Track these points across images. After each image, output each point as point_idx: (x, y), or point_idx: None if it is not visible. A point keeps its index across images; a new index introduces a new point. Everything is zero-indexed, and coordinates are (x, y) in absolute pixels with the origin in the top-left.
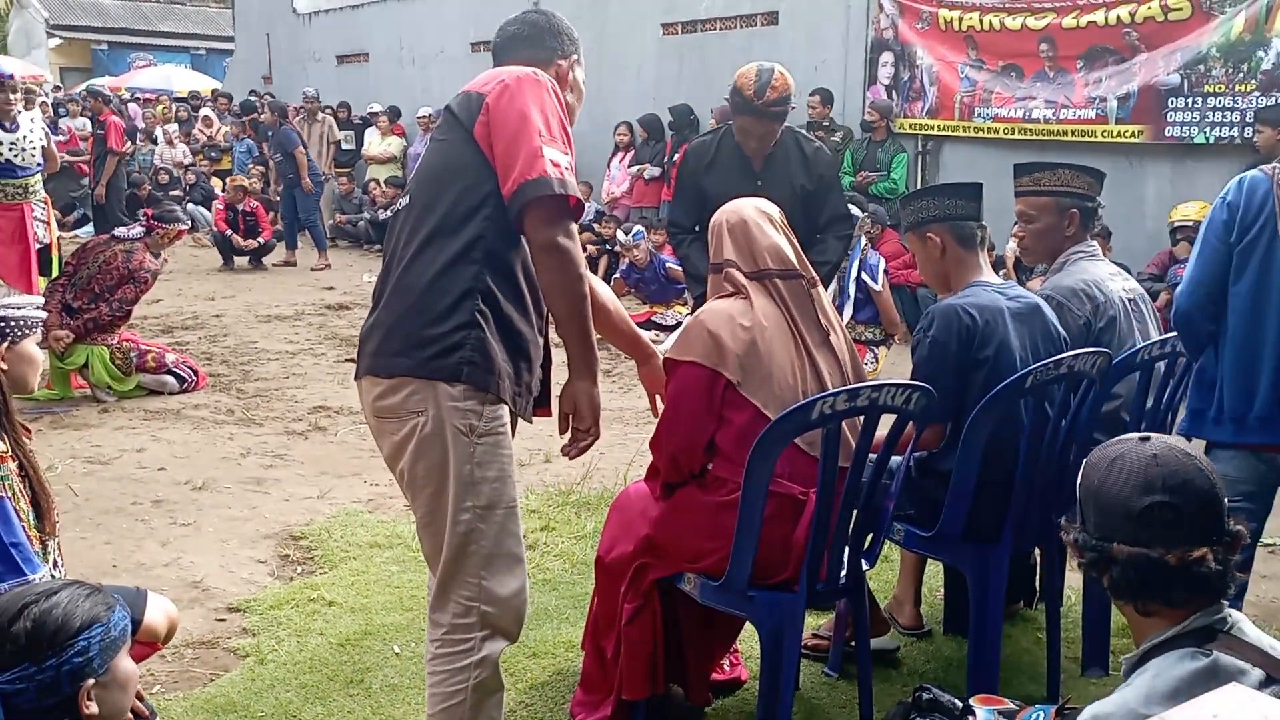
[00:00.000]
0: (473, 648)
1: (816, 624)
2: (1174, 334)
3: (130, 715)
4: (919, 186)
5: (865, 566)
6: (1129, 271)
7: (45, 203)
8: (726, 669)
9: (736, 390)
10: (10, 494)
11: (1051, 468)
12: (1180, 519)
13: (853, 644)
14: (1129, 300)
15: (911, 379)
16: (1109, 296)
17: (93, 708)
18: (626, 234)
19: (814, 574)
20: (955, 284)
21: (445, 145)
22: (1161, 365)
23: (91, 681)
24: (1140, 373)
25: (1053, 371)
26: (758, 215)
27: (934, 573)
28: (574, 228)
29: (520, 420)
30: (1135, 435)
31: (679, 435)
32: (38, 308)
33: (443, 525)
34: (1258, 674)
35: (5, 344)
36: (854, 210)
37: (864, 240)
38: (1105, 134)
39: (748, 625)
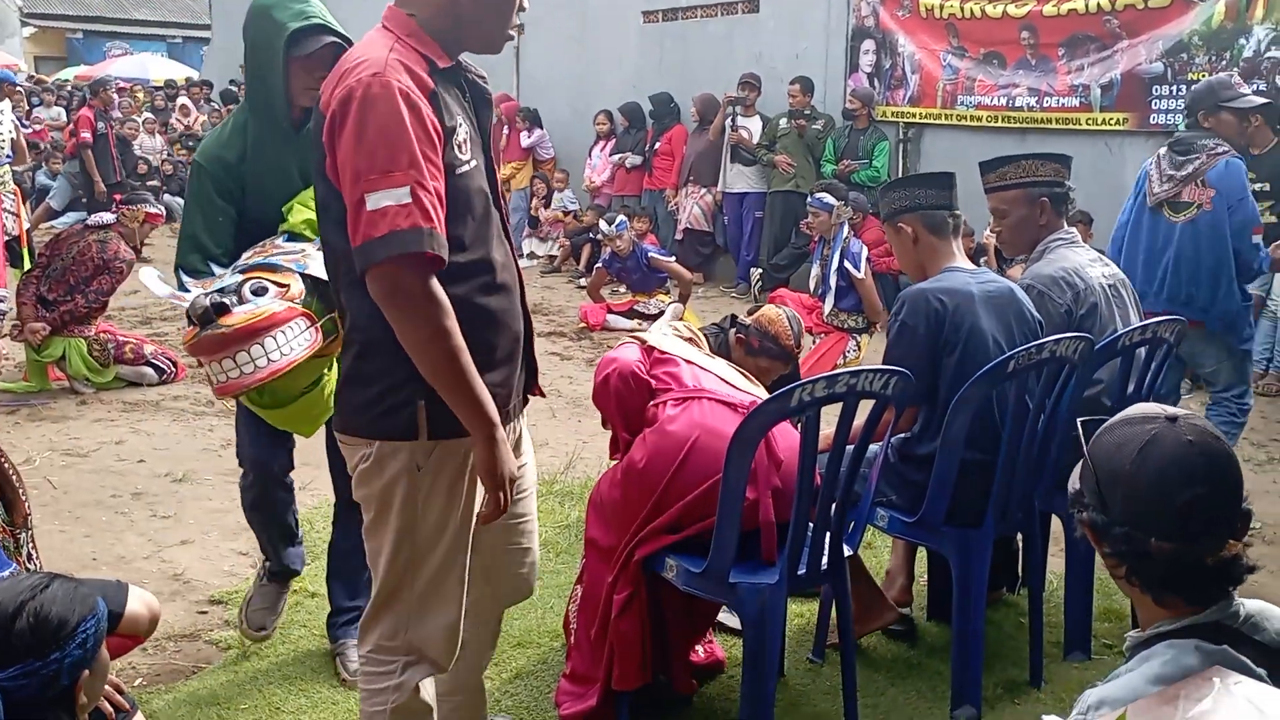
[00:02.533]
0: (393, 671)
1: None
2: (1155, 320)
3: (109, 708)
4: (901, 174)
5: (847, 551)
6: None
7: (14, 194)
8: (701, 654)
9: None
10: None
11: (1033, 453)
12: (1218, 511)
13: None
14: (1109, 286)
15: (883, 363)
16: (1089, 283)
17: (83, 697)
18: (609, 224)
19: (794, 560)
20: (930, 271)
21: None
22: (1142, 351)
23: (87, 672)
24: (1121, 358)
25: (1034, 357)
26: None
27: (922, 556)
28: (416, 283)
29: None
30: (1159, 412)
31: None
32: (1, 299)
33: (381, 545)
34: (1261, 674)
35: None
36: (830, 199)
37: (846, 228)
38: (1089, 121)
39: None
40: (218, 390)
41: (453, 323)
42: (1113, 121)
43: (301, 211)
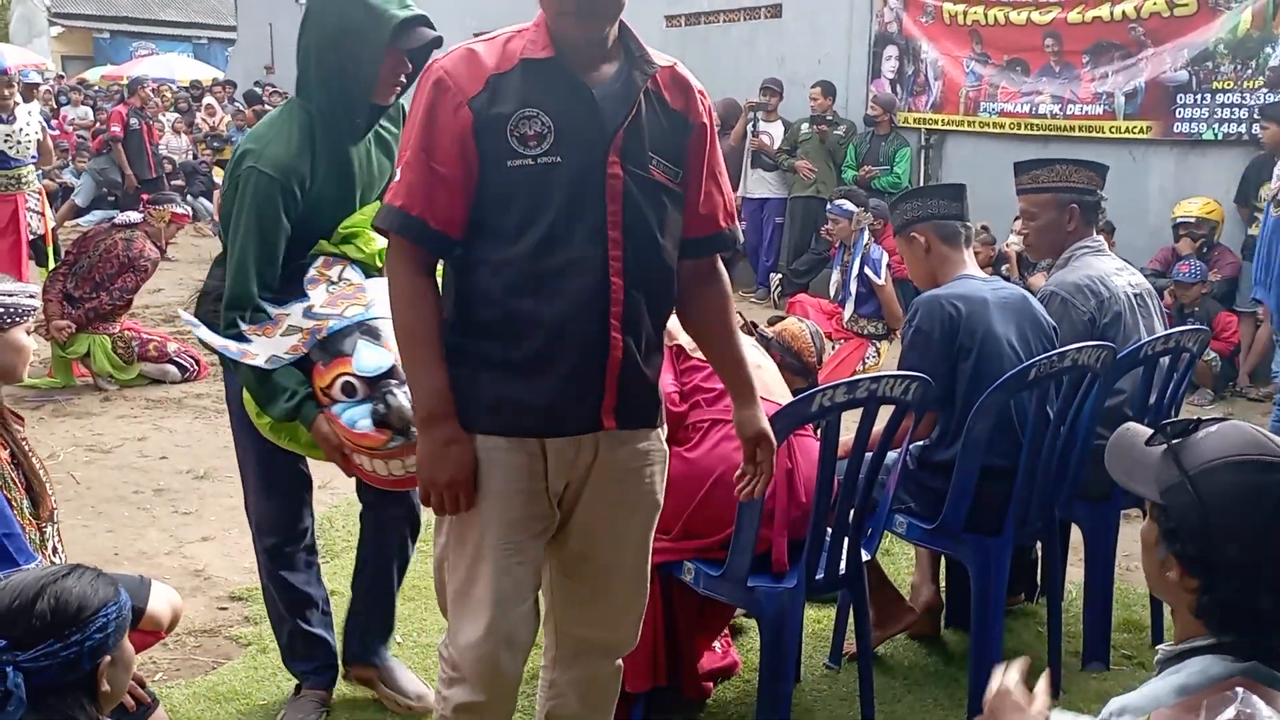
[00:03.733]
0: (445, 680)
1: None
2: (1179, 329)
3: (131, 701)
4: (923, 181)
5: (865, 556)
6: (1133, 267)
7: (39, 194)
8: (718, 650)
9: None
10: (3, 483)
11: (1054, 462)
12: None
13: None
14: (1134, 295)
15: (898, 369)
16: (1114, 292)
17: (105, 685)
18: None
19: (812, 565)
20: (941, 280)
21: None
22: (1165, 360)
23: (108, 659)
24: (1144, 368)
25: (1056, 365)
26: None
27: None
28: (397, 259)
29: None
30: (1255, 457)
31: None
32: (30, 296)
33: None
34: None
35: None
36: (850, 206)
37: (866, 235)
38: (1113, 130)
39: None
40: (389, 483)
41: (415, 308)
42: (1136, 130)
43: (375, 241)
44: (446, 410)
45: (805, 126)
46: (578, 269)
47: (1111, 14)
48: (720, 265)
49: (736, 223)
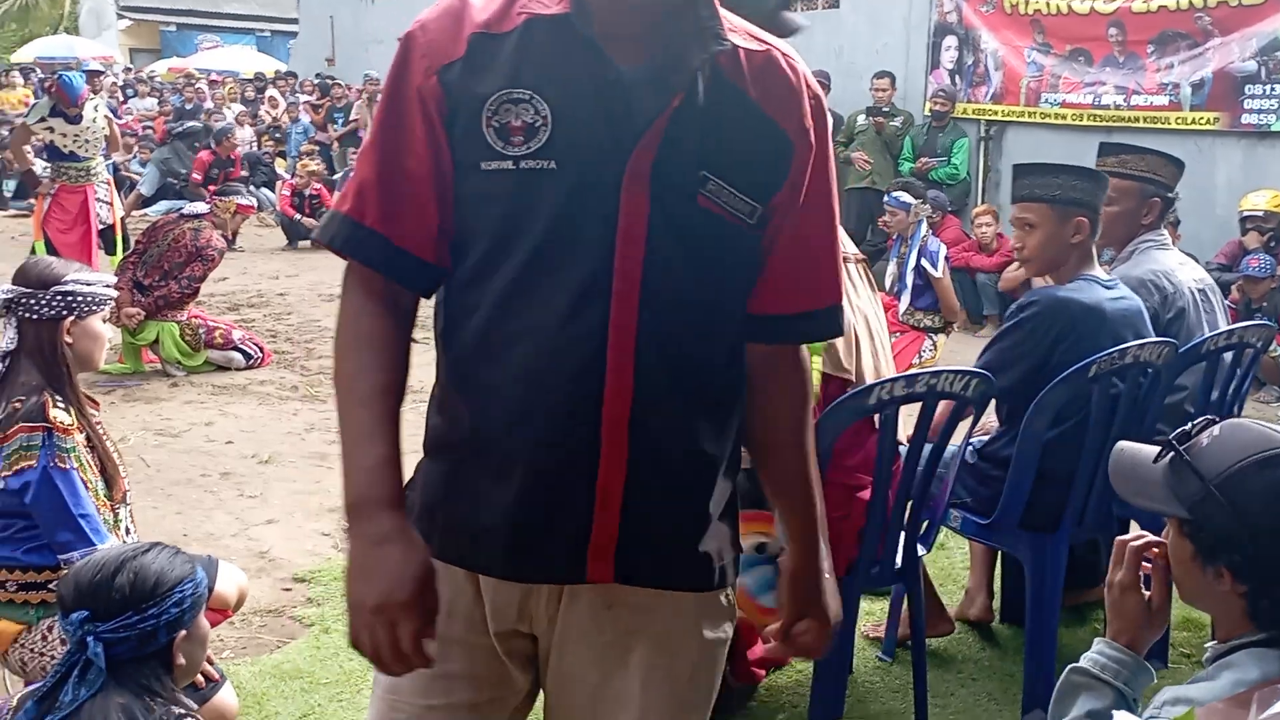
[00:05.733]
0: None
1: (873, 609)
2: (1241, 324)
3: (201, 677)
4: (982, 173)
5: (921, 551)
6: (1197, 261)
7: (108, 184)
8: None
9: None
10: (79, 465)
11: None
12: None
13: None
14: (1198, 290)
15: (987, 348)
16: (1178, 287)
17: (180, 660)
18: None
19: (869, 558)
20: (1066, 273)
21: None
22: (1228, 356)
23: (184, 633)
24: (1206, 364)
25: (1117, 361)
26: None
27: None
28: (347, 285)
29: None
30: (1274, 452)
31: None
32: (107, 285)
33: None
34: None
35: (72, 318)
36: (908, 198)
37: (924, 227)
38: (1179, 120)
39: None
40: None
41: (357, 354)
42: (1203, 121)
43: None
44: (382, 495)
45: (861, 118)
46: (548, 333)
47: (1177, 3)
48: (805, 355)
49: (843, 297)
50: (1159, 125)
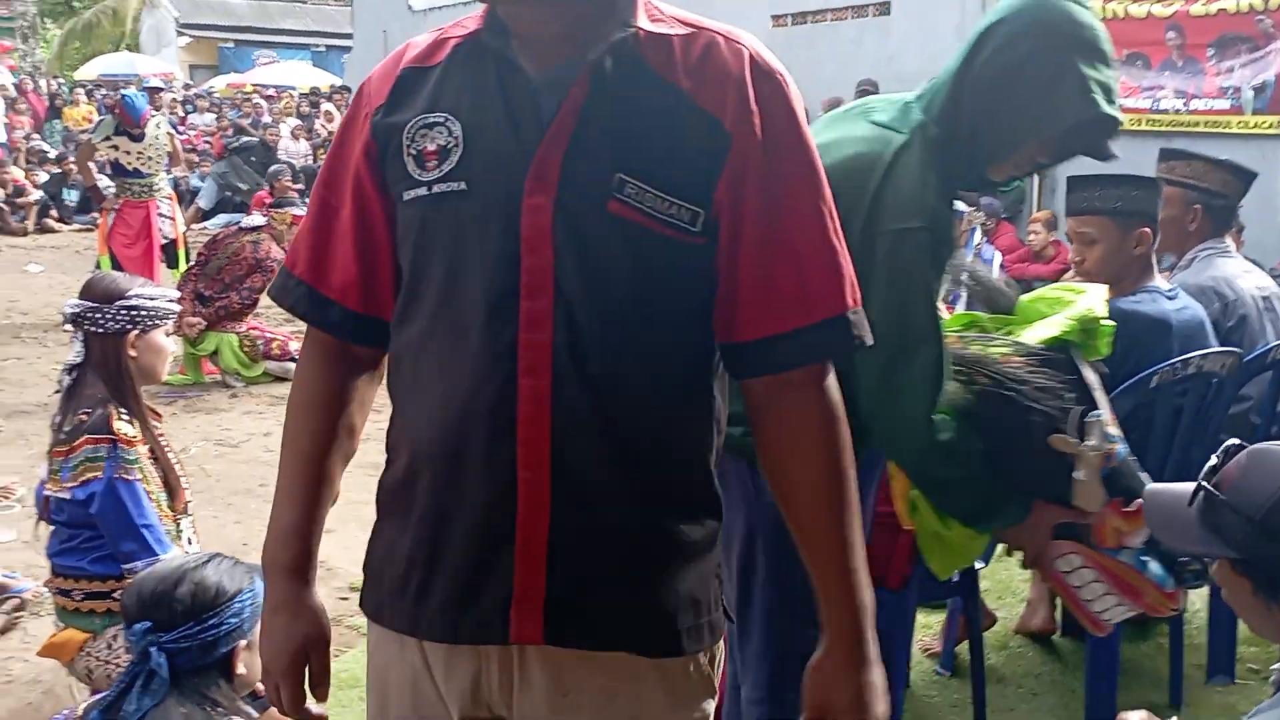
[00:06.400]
0: None
1: (930, 623)
2: None
3: (261, 686)
4: (1036, 181)
5: (979, 564)
6: (1262, 269)
7: (170, 199)
8: None
9: None
10: (142, 476)
11: (1177, 470)
12: None
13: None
14: (1262, 298)
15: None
16: (1240, 295)
17: (241, 669)
18: None
19: (924, 570)
20: (1128, 285)
21: None
22: None
23: (244, 642)
24: (1272, 373)
25: (1180, 372)
26: None
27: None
28: (307, 331)
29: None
30: None
31: None
32: (170, 300)
33: None
34: None
35: (136, 331)
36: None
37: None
38: (1240, 125)
39: None
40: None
41: (296, 413)
42: (1265, 125)
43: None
44: (283, 562)
45: None
46: (460, 364)
47: (1237, 5)
48: (827, 383)
49: (853, 299)
50: (1220, 130)
